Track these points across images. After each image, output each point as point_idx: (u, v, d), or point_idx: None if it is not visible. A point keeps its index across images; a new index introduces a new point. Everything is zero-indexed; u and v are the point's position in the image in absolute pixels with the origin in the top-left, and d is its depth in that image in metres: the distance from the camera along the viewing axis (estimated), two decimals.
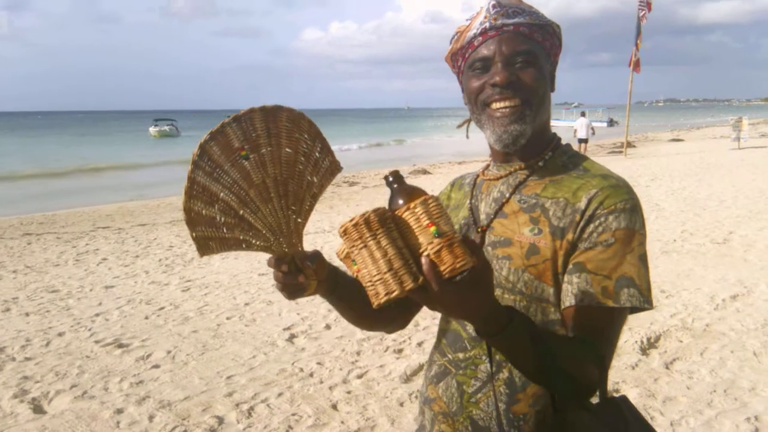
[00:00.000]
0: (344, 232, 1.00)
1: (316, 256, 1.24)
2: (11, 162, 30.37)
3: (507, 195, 1.36)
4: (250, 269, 7.69)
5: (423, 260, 0.97)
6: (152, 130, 60.92)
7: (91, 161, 30.18)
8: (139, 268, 8.01)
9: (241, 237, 1.16)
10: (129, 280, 7.43)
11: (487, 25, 1.31)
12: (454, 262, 0.97)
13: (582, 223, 1.23)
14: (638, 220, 1.24)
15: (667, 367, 4.35)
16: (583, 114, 24.37)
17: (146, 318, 5.89)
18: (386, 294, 0.97)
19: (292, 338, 5.18)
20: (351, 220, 0.99)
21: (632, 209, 1.24)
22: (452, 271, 0.97)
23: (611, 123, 57.24)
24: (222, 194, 1.12)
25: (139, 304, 6.35)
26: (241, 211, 1.15)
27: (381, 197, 14.09)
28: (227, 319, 5.75)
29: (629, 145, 25.24)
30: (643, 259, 1.23)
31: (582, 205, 1.24)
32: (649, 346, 4.71)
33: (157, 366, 4.72)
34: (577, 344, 1.21)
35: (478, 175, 1.51)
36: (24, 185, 21.26)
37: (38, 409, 4.09)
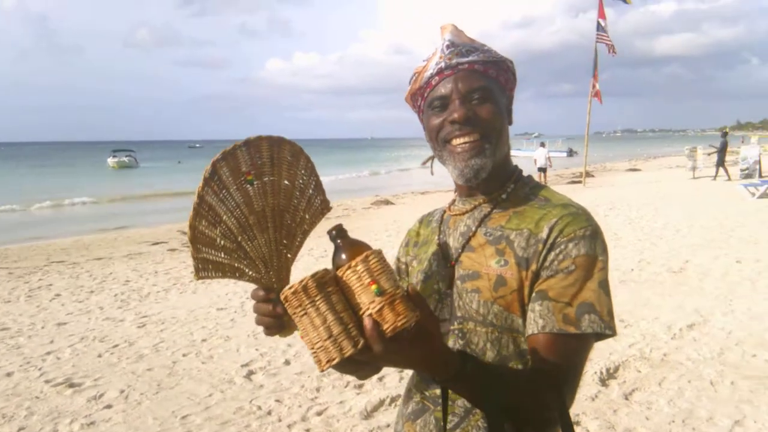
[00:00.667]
0: (285, 300, 1.01)
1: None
2: None
3: (473, 228, 1.39)
4: (208, 304, 7.55)
5: (365, 320, 0.99)
6: (110, 161, 60.15)
7: (47, 193, 29.60)
8: (94, 304, 7.81)
9: (236, 264, 1.15)
10: (83, 316, 7.23)
11: (443, 64, 1.34)
12: (395, 320, 0.98)
13: (544, 252, 1.25)
14: (598, 246, 1.26)
15: (626, 398, 4.36)
16: (542, 144, 24.89)
17: (99, 356, 5.72)
18: (327, 361, 0.99)
19: (250, 375, 5.07)
20: (290, 287, 1.00)
21: (592, 236, 1.26)
22: (394, 329, 0.98)
23: (570, 153, 58.21)
24: (225, 216, 1.12)
25: (92, 342, 6.17)
26: (240, 237, 1.14)
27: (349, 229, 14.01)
28: (183, 356, 5.62)
29: (588, 174, 25.68)
30: (603, 285, 1.24)
31: (544, 234, 1.27)
32: (608, 376, 4.72)
33: (109, 406, 4.57)
34: (534, 375, 1.22)
35: (445, 211, 1.53)
36: None
37: None
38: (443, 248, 1.44)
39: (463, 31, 1.41)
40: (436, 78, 1.35)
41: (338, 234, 1.08)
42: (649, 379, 4.66)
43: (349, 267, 1.00)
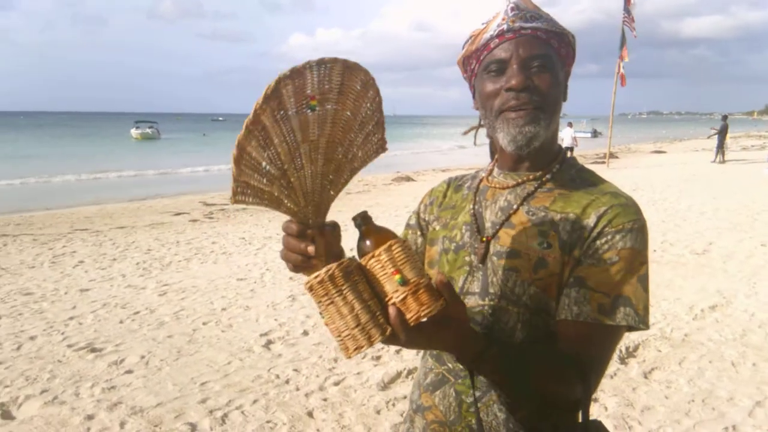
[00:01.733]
0: (310, 289, 1.00)
1: (337, 227, 1.13)
2: None
3: (515, 205, 1.34)
4: (228, 274, 7.61)
5: (390, 310, 0.99)
6: (134, 132, 60.43)
7: (72, 162, 29.92)
8: (116, 272, 7.89)
9: (276, 194, 1.05)
10: (105, 283, 7.32)
11: (505, 27, 1.28)
12: (419, 310, 0.98)
13: (589, 240, 1.23)
14: (644, 241, 1.24)
15: (645, 377, 4.33)
16: (569, 124, 24.61)
17: (121, 322, 5.79)
18: (355, 349, 0.99)
19: (268, 344, 5.11)
20: (316, 277, 0.99)
21: (639, 230, 1.24)
22: (417, 319, 0.98)
23: (595, 134, 57.61)
24: (276, 140, 1.02)
25: (114, 308, 6.25)
26: (286, 165, 1.04)
27: (363, 204, 14.04)
28: (203, 324, 5.67)
29: (612, 156, 25.41)
30: (642, 280, 1.22)
31: (591, 221, 1.24)
32: (627, 355, 4.69)
33: (130, 371, 4.63)
34: (561, 361, 1.21)
35: (481, 180, 1.48)
36: (1, 186, 20.97)
37: (6, 415, 3.99)
38: (478, 219, 1.39)
39: None
40: (496, 40, 1.29)
41: (363, 221, 1.06)
42: (669, 359, 4.63)
43: (373, 256, 1.00)
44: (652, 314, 5.54)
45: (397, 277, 0.98)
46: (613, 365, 4.47)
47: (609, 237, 1.22)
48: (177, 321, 5.78)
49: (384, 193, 17.10)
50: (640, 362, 4.58)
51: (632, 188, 14.89)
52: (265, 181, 1.02)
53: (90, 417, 3.90)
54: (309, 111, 1.03)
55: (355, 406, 3.99)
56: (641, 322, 1.21)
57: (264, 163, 1.01)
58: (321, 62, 1.02)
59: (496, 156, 1.47)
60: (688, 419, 3.76)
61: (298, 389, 4.25)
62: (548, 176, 1.35)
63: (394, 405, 3.97)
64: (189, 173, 26.19)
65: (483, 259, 1.33)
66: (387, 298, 1.00)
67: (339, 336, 1.00)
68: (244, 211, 13.43)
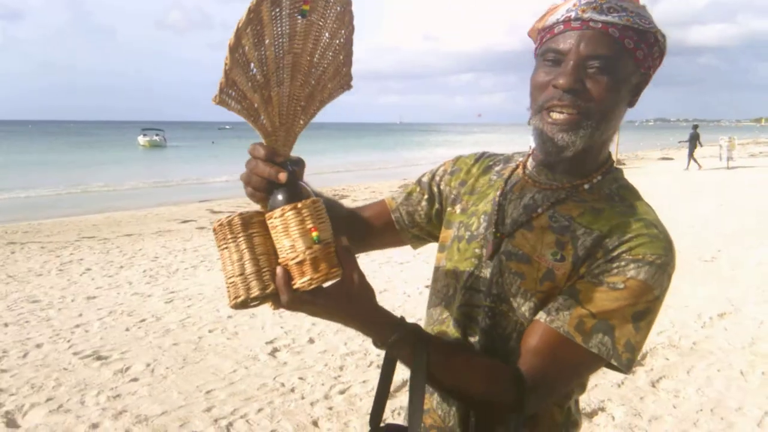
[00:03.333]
0: (213, 231, 1.01)
1: (302, 162, 1.07)
2: None
3: (540, 209, 1.24)
4: None
5: (277, 270, 0.97)
6: (141, 139, 60.65)
7: (79, 170, 30.05)
8: (123, 279, 7.90)
9: (256, 105, 1.00)
10: (112, 291, 7.32)
11: (573, 14, 1.16)
12: (310, 278, 0.96)
13: (601, 260, 1.13)
14: (661, 280, 1.12)
15: (653, 386, 4.30)
16: None
17: (127, 330, 5.78)
18: (234, 297, 0.98)
19: (274, 352, 5.09)
20: (218, 221, 1.00)
21: (660, 267, 1.12)
22: (303, 285, 0.96)
23: None
24: (267, 40, 0.96)
25: (120, 316, 6.25)
26: (271, 75, 0.99)
27: None
28: (209, 331, 5.66)
29: (619, 162, 25.31)
30: (639, 316, 1.11)
31: (612, 244, 1.14)
32: (635, 363, 4.65)
33: (135, 379, 4.62)
34: (498, 367, 1.15)
35: (515, 168, 1.37)
36: (10, 193, 21.06)
37: (11, 423, 3.98)
38: (500, 213, 1.30)
39: None
40: (561, 26, 1.17)
41: (290, 173, 1.01)
42: (677, 367, 4.59)
43: (283, 212, 0.97)
44: (659, 322, 5.48)
45: (315, 234, 0.96)
46: (621, 374, 4.43)
47: (623, 263, 1.12)
48: (183, 328, 5.78)
49: None
50: (647, 371, 4.55)
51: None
52: (249, 86, 0.98)
53: (95, 426, 3.90)
54: (300, 17, 0.99)
55: (361, 415, 3.97)
56: (615, 357, 1.10)
57: (253, 65, 0.97)
58: None
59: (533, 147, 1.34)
60: (696, 429, 3.73)
61: (303, 397, 4.24)
62: (586, 186, 1.24)
63: (399, 414, 3.95)
64: (196, 180, 26.22)
65: (492, 256, 1.26)
66: (282, 258, 0.98)
67: (226, 283, 1.00)
68: None
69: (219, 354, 5.09)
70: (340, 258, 0.99)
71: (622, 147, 26.37)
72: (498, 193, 1.33)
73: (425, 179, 1.51)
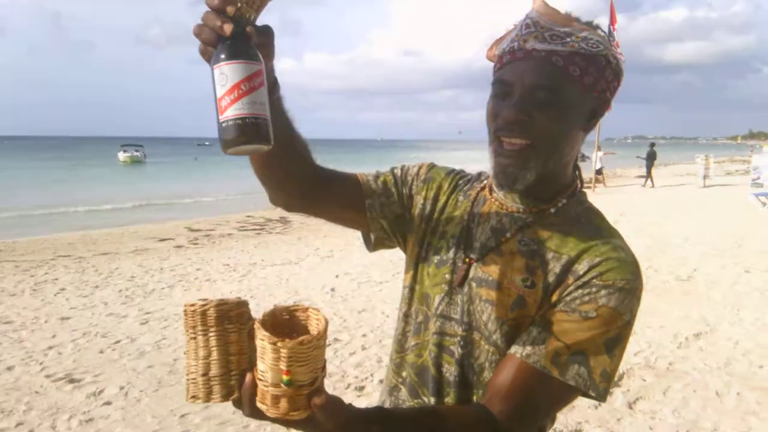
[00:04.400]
0: (184, 314, 0.93)
1: (267, 31, 0.99)
2: None
3: (508, 234, 1.23)
4: None
5: (247, 379, 0.91)
6: (121, 155, 60.11)
7: (57, 187, 29.72)
8: (98, 299, 7.79)
9: None
10: (86, 311, 7.21)
11: (516, 45, 1.16)
12: (277, 409, 0.89)
13: (572, 287, 1.13)
14: (630, 305, 1.13)
15: (630, 407, 4.31)
16: (598, 147, 25.57)
17: (101, 352, 5.69)
18: (192, 396, 0.92)
19: None
20: (191, 305, 0.92)
21: (630, 292, 1.12)
22: (270, 413, 0.89)
23: (582, 158, 58.11)
24: None
25: (94, 337, 6.15)
26: None
27: (348, 231, 13.98)
28: (185, 353, 5.57)
29: (597, 181, 25.53)
30: (611, 343, 1.11)
31: (581, 269, 1.13)
32: (612, 384, 4.66)
33: (108, 403, 4.54)
34: (468, 418, 1.13)
35: (482, 189, 1.35)
36: None
37: None
38: (468, 236, 1.28)
39: (556, 9, 1.18)
40: (508, 56, 1.18)
41: (239, 29, 0.90)
42: (653, 388, 4.61)
43: (275, 343, 0.86)
44: (636, 342, 5.52)
45: (286, 378, 0.86)
46: None
47: (594, 290, 1.11)
48: (158, 350, 5.70)
49: None
50: (624, 392, 4.55)
51: (619, 213, 14.94)
52: None
53: None
54: None
55: None
56: (592, 387, 1.10)
57: None
58: None
59: None
60: None
61: None
62: (552, 210, 1.24)
63: None
64: (176, 197, 26.00)
65: (462, 282, 1.24)
66: (256, 373, 0.90)
67: (187, 376, 0.93)
68: (229, 237, 13.35)
69: None
70: (313, 405, 0.90)
71: (600, 164, 26.60)
72: (465, 215, 1.32)
73: (398, 173, 1.44)
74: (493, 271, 1.21)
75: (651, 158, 25.43)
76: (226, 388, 0.91)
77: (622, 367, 4.93)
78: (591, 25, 1.18)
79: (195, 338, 0.92)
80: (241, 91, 0.88)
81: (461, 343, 1.22)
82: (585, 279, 1.12)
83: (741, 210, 15.73)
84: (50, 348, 5.84)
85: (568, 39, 1.13)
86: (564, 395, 1.13)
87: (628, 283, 1.12)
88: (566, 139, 1.19)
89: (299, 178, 1.30)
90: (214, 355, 0.90)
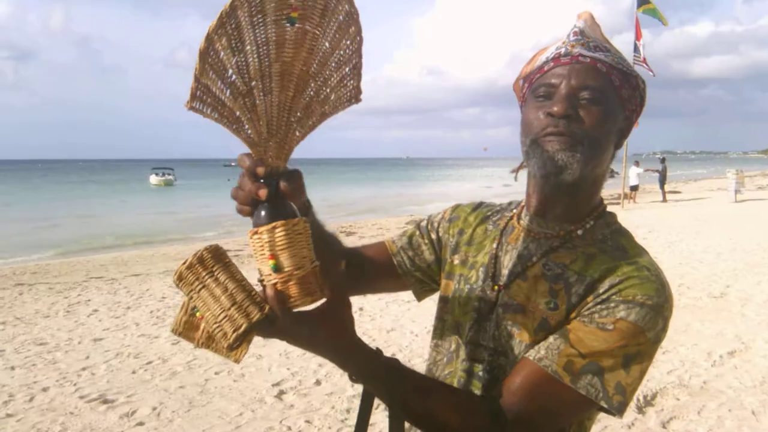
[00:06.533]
0: (179, 278, 0.96)
1: (297, 176, 1.03)
2: (7, 210, 30.44)
3: (534, 258, 1.24)
4: None
5: (267, 289, 0.95)
6: (154, 179, 60.99)
7: (89, 210, 30.23)
8: (130, 320, 7.89)
9: (238, 113, 0.93)
10: (119, 332, 7.31)
11: (563, 50, 1.20)
12: (299, 295, 0.95)
13: (590, 303, 1.13)
14: (653, 321, 1.10)
15: (663, 427, 4.25)
16: (636, 163, 25.84)
17: (133, 372, 5.77)
18: (234, 330, 0.92)
19: (281, 394, 5.06)
20: (183, 263, 0.95)
21: (652, 308, 1.10)
22: (295, 302, 0.95)
23: (612, 174, 57.71)
24: (249, 47, 0.90)
25: (127, 358, 6.23)
26: (255, 82, 0.92)
27: None
28: (216, 374, 5.63)
29: (626, 196, 25.32)
30: (630, 359, 1.09)
31: (601, 288, 1.13)
32: (645, 404, 4.60)
33: (141, 423, 4.59)
34: (476, 401, 1.16)
35: (511, 218, 1.37)
36: (19, 234, 21.17)
37: None
38: (496, 265, 1.30)
39: (600, 26, 1.24)
40: (551, 63, 1.20)
41: (273, 189, 0.96)
42: (687, 408, 4.53)
43: (256, 233, 0.95)
44: (669, 361, 5.45)
45: (271, 262, 0.94)
46: (631, 414, 4.38)
47: (612, 304, 1.10)
48: (189, 371, 5.75)
49: None
50: (658, 411, 4.49)
51: (648, 230, 14.79)
52: (228, 93, 0.91)
53: None
54: (288, 24, 0.93)
55: None
56: (606, 400, 1.08)
57: (231, 71, 0.90)
58: None
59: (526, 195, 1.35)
60: None
61: None
62: (579, 232, 1.24)
63: None
64: (207, 218, 26.25)
65: (491, 309, 1.25)
66: (263, 279, 0.96)
67: (216, 322, 0.93)
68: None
69: (225, 397, 5.07)
70: (332, 285, 0.99)
71: (636, 180, 26.47)
72: (494, 244, 1.34)
73: (424, 224, 1.52)
74: (518, 296, 1.22)
75: (663, 173, 26.01)
76: (257, 305, 0.93)
77: (656, 386, 4.87)
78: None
79: (205, 286, 0.94)
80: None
81: (487, 368, 1.23)
82: (605, 296, 1.12)
83: None
84: (84, 369, 5.92)
85: (609, 53, 1.19)
86: (573, 403, 1.11)
87: (649, 299, 1.10)
88: (605, 144, 1.20)
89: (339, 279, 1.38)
90: (230, 285, 0.93)
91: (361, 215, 24.26)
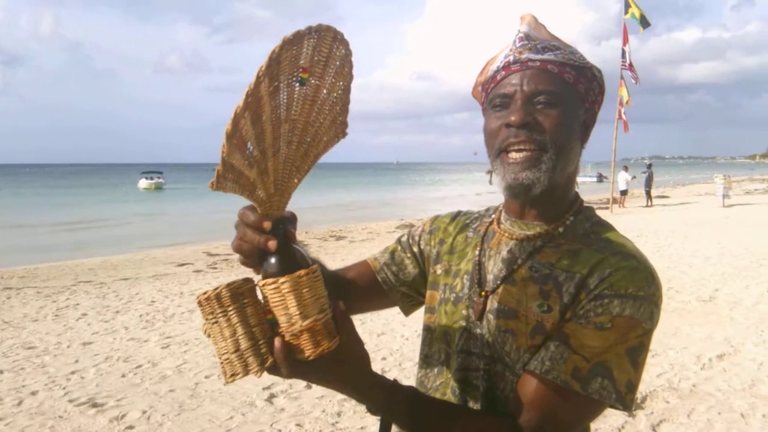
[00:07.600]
0: (199, 304, 0.97)
1: (293, 219, 1.02)
2: None
3: (519, 261, 1.23)
4: None
5: (275, 342, 0.95)
6: (143, 182, 60.80)
7: (77, 214, 30.05)
8: (119, 324, 7.85)
9: (253, 179, 0.93)
10: (108, 336, 7.27)
11: (511, 58, 1.19)
12: (311, 349, 0.95)
13: (585, 301, 1.11)
14: (648, 311, 1.10)
15: (653, 429, 4.26)
16: (625, 168, 26.66)
17: (123, 376, 5.74)
18: (231, 375, 0.95)
19: (271, 398, 5.05)
20: (204, 293, 0.95)
21: (645, 299, 1.10)
22: (306, 356, 0.95)
23: (600, 178, 57.85)
24: (264, 116, 0.89)
25: (116, 362, 6.20)
26: (267, 147, 0.93)
27: (367, 251, 14.02)
28: (206, 377, 5.61)
29: (615, 201, 25.44)
30: (633, 353, 1.09)
31: (592, 284, 1.12)
32: (635, 406, 4.62)
33: (131, 427, 4.57)
34: (495, 422, 1.14)
35: (490, 223, 1.37)
36: (6, 238, 21.02)
37: None
38: (481, 271, 1.29)
39: (544, 25, 1.25)
40: (502, 72, 1.20)
41: (281, 239, 0.96)
42: (677, 410, 4.56)
43: (275, 283, 0.94)
44: (659, 364, 5.48)
45: (291, 310, 0.94)
46: (621, 417, 4.39)
47: (606, 301, 1.09)
48: (179, 374, 5.73)
49: (388, 241, 17.00)
50: (648, 414, 4.51)
51: (637, 234, 14.86)
52: (246, 163, 0.91)
53: None
54: (297, 85, 0.93)
55: None
56: (619, 400, 1.08)
57: (250, 144, 0.90)
58: (318, 29, 0.91)
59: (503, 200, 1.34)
60: None
61: None
62: (560, 230, 1.24)
63: None
64: (193, 222, 26.17)
65: (480, 316, 1.24)
66: (281, 329, 0.96)
67: (220, 359, 0.96)
68: None
69: (215, 400, 5.05)
70: (338, 326, 0.99)
71: (626, 186, 26.63)
72: (477, 251, 1.33)
73: (404, 239, 1.52)
74: (508, 301, 1.21)
75: (649, 179, 26.42)
76: (259, 357, 0.94)
77: (645, 389, 4.89)
78: (570, 45, 1.23)
79: (217, 322, 0.95)
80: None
81: (485, 376, 1.21)
82: (596, 291, 1.11)
83: (762, 229, 15.57)
84: (73, 373, 5.89)
85: (558, 51, 1.18)
86: (589, 409, 1.11)
87: (641, 290, 1.10)
88: (570, 144, 1.20)
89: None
90: (239, 330, 0.94)
91: (350, 220, 24.22)
